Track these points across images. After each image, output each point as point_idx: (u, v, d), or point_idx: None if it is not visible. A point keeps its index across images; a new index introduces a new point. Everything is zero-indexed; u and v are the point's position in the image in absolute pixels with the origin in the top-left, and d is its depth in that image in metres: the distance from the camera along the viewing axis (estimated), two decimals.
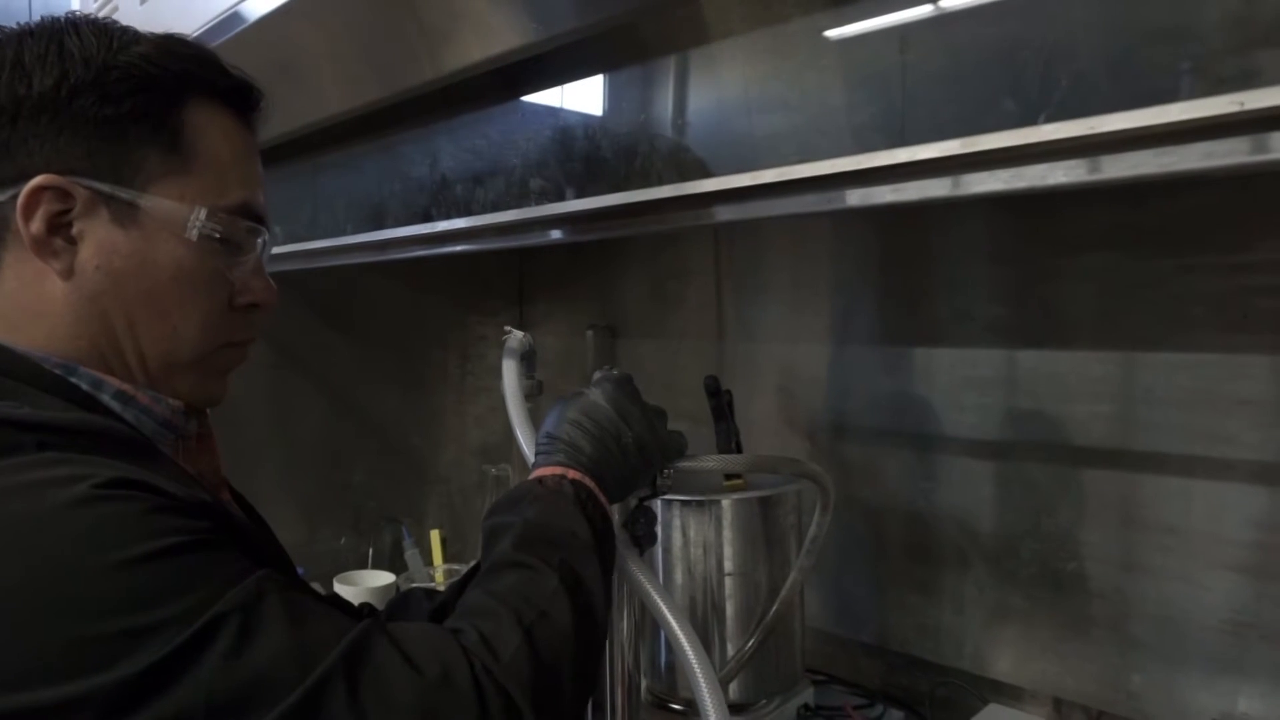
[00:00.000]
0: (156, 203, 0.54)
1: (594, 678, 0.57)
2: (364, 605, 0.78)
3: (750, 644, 0.95)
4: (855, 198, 0.54)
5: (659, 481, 0.71)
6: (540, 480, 0.61)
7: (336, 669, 0.44)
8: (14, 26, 0.54)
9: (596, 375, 0.69)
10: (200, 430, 0.62)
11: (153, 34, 0.56)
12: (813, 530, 0.92)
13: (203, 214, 0.55)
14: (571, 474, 0.61)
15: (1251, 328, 0.87)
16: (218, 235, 0.56)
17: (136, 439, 0.53)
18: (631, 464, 0.65)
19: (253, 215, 0.59)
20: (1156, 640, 0.94)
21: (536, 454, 0.65)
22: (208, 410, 0.63)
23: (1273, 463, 0.87)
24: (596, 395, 0.66)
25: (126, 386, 0.55)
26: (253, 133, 0.61)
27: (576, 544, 0.56)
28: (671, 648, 0.63)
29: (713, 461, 0.74)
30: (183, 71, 0.56)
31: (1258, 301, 0.87)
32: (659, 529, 0.78)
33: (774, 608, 0.95)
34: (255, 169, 0.61)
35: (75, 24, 0.54)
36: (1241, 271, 0.88)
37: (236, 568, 0.46)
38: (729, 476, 1.03)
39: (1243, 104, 0.36)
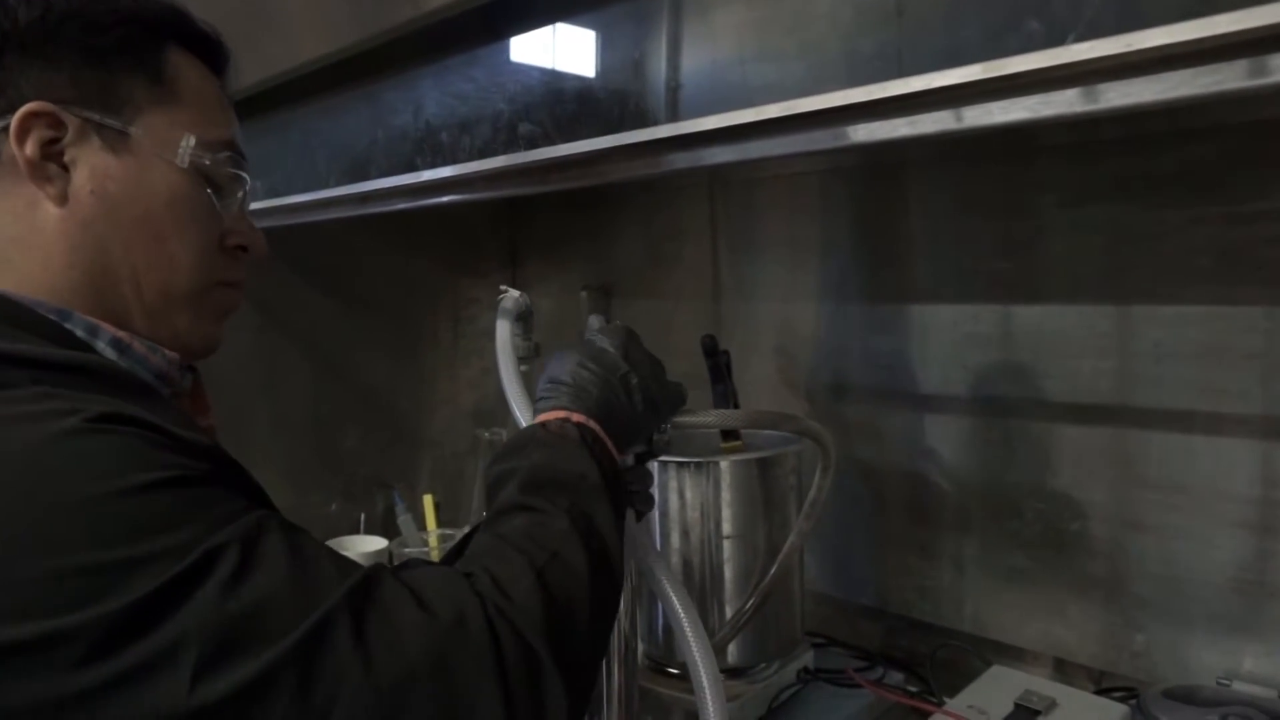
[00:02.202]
0: (146, 131, 0.55)
1: (611, 621, 0.55)
2: None
3: (748, 606, 0.94)
4: (864, 133, 0.50)
5: (656, 437, 0.68)
6: (544, 425, 0.59)
7: (341, 606, 0.42)
8: None
9: (597, 323, 0.67)
10: (194, 388, 0.61)
11: None
12: (812, 493, 0.90)
13: (192, 141, 0.56)
14: (576, 417, 0.59)
15: (1262, 279, 0.85)
16: (205, 164, 0.57)
17: (135, 379, 0.52)
18: (638, 411, 0.63)
19: (237, 154, 0.60)
20: (1161, 599, 0.93)
21: (539, 399, 0.63)
22: (199, 371, 0.62)
23: None
24: (603, 341, 0.64)
25: (122, 334, 0.54)
26: (224, 88, 0.62)
27: (585, 485, 0.54)
28: (666, 612, 0.61)
29: (713, 416, 0.72)
30: (160, 14, 0.57)
31: (1268, 252, 0.84)
32: (655, 491, 0.76)
33: (772, 571, 0.94)
34: (234, 116, 0.62)
35: None
36: (1250, 222, 0.85)
37: (235, 505, 0.44)
38: (726, 438, 1.01)
39: None
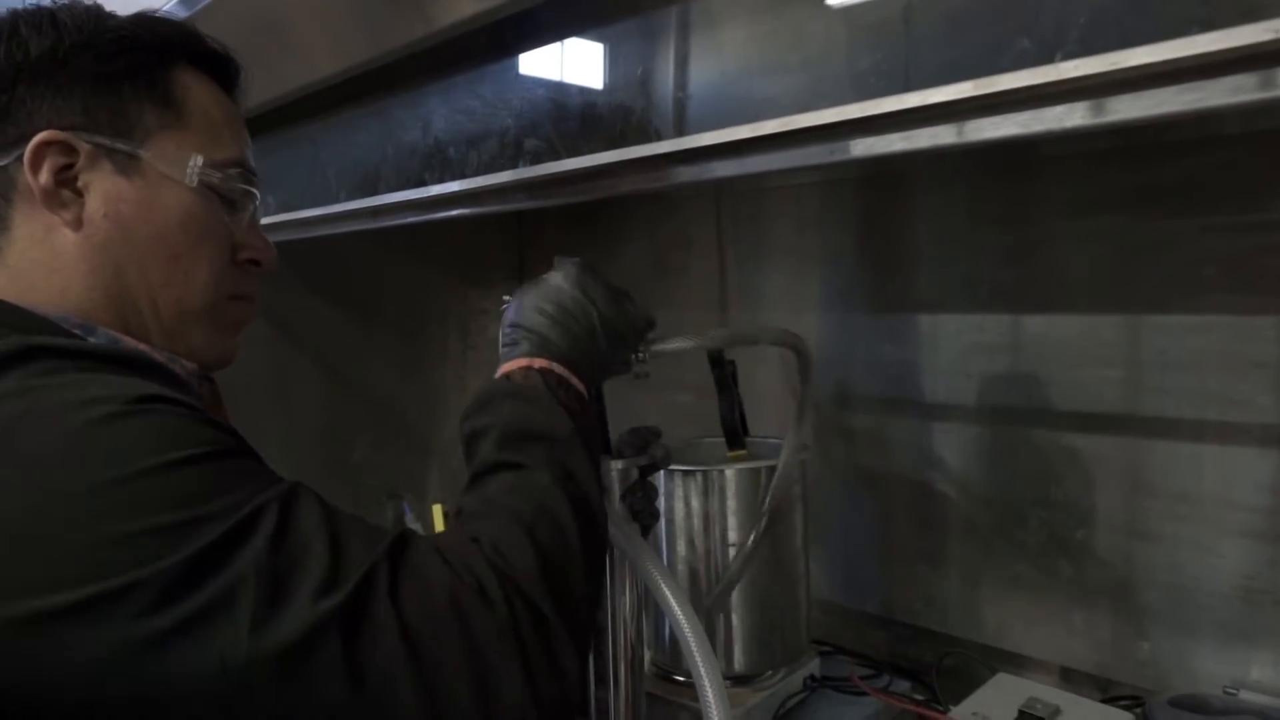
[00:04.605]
0: (156, 153, 0.56)
1: (602, 562, 0.57)
2: None
3: (736, 567, 0.93)
4: (862, 148, 0.51)
5: (635, 367, 0.69)
6: (508, 377, 0.60)
7: (381, 563, 0.45)
8: (4, 11, 0.57)
9: (557, 260, 0.68)
10: (211, 398, 0.63)
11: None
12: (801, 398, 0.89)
13: (200, 161, 0.57)
14: (539, 363, 0.60)
15: (1266, 288, 0.85)
16: (215, 183, 0.58)
17: (166, 368, 0.54)
18: (601, 345, 0.64)
19: (247, 171, 0.61)
20: (1167, 608, 0.93)
21: (502, 346, 0.63)
22: (215, 381, 0.64)
23: None
24: (558, 279, 0.65)
25: (143, 347, 0.56)
26: (236, 103, 0.63)
27: (560, 436, 0.56)
28: (669, 620, 0.61)
29: (690, 340, 0.73)
30: (168, 37, 0.59)
31: (1274, 261, 0.84)
32: (660, 503, 0.76)
33: (763, 522, 0.93)
34: (244, 131, 0.63)
35: (65, 4, 0.57)
36: (1256, 231, 0.86)
37: (270, 475, 0.48)
38: (732, 447, 1.01)
39: (1279, 31, 0.34)
